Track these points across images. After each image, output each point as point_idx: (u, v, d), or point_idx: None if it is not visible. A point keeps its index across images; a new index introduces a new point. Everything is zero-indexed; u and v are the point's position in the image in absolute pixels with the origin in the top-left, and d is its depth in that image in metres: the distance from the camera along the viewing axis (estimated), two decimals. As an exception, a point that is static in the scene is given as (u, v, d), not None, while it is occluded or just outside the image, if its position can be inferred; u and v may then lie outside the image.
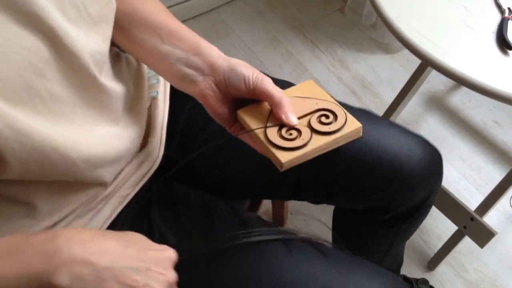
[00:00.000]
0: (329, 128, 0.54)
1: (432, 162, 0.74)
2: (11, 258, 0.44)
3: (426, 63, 0.78)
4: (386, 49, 1.79)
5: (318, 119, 0.55)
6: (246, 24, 1.91)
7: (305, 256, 0.64)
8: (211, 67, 0.57)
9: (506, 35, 0.75)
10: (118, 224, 0.65)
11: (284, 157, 0.52)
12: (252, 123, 0.56)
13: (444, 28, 0.80)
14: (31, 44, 0.44)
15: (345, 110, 0.55)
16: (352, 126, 0.54)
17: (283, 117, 0.54)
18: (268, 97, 0.55)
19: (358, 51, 1.80)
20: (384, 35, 1.78)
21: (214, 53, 0.58)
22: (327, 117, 0.55)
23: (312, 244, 0.65)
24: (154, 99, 0.72)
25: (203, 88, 0.57)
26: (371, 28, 1.84)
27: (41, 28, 0.45)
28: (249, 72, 0.56)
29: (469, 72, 0.72)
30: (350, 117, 0.55)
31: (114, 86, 0.59)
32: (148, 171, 0.68)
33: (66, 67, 0.49)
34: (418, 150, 0.72)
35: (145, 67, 0.72)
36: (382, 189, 0.72)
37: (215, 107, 0.57)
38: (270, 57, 1.79)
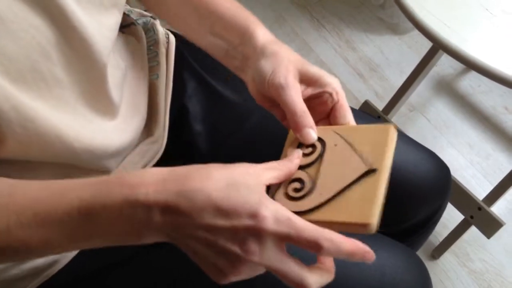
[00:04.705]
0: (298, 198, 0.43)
1: (440, 178, 0.72)
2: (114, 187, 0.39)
3: (441, 49, 0.73)
4: (394, 30, 1.73)
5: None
6: (251, 1, 1.85)
7: None
8: (250, 61, 0.54)
9: (528, 20, 0.71)
10: None
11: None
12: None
13: (462, 12, 0.75)
14: (40, 25, 0.42)
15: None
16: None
17: (296, 128, 0.47)
18: (279, 100, 0.48)
19: (366, 31, 1.75)
20: (393, 15, 1.72)
21: (258, 42, 0.54)
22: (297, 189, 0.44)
23: None
24: (154, 83, 0.68)
25: (247, 77, 0.55)
26: (379, 7, 1.78)
27: (50, 9, 0.42)
28: (268, 68, 0.50)
29: (487, 59, 0.68)
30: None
31: (115, 74, 0.56)
32: (152, 159, 0.65)
33: (72, 52, 0.46)
34: (425, 166, 0.70)
35: (145, 47, 0.68)
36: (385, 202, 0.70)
37: (257, 98, 0.54)
38: (275, 35, 1.73)
